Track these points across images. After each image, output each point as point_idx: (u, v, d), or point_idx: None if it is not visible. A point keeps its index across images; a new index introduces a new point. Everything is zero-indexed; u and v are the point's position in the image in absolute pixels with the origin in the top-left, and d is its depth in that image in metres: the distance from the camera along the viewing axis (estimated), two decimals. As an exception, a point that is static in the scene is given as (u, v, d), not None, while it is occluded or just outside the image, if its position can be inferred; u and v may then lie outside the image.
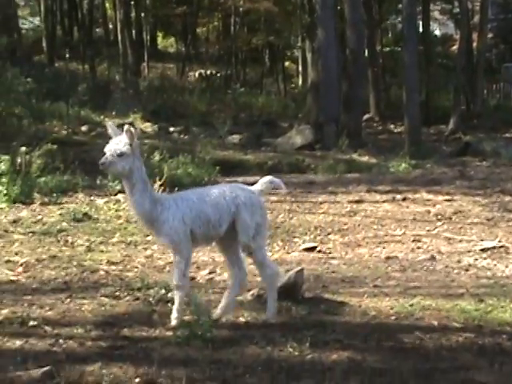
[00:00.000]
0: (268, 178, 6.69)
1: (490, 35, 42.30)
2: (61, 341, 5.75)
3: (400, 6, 32.08)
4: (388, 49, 43.13)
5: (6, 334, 5.88)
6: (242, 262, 6.49)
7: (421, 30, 36.94)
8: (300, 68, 41.68)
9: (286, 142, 24.94)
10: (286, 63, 45.24)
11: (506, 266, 9.05)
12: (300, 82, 41.80)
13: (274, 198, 15.00)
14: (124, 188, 6.18)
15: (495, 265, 9.19)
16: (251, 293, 7.03)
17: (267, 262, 6.47)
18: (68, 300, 6.99)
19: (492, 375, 5.14)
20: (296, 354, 5.44)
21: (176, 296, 6.13)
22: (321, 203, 14.45)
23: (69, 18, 44.63)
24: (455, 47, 37.34)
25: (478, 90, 35.56)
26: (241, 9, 38.51)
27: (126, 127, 5.98)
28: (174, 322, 6.08)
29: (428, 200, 14.59)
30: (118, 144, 5.91)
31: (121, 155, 5.86)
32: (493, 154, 23.37)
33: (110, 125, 6.12)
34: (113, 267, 8.73)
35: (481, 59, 35.60)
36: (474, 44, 37.18)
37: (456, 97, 32.56)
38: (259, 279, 8.07)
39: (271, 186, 6.64)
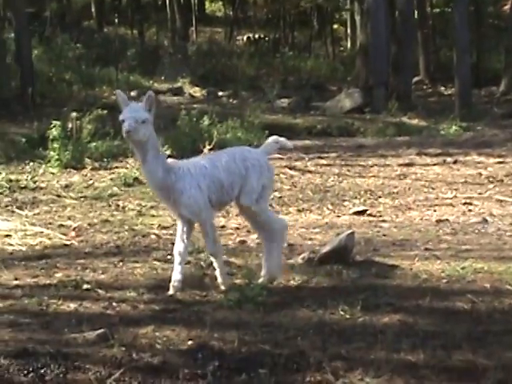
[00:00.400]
0: (273, 137, 6.61)
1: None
2: (114, 304, 5.82)
3: (450, -35, 31.58)
4: (438, 10, 42.41)
5: (61, 297, 5.96)
6: (270, 217, 6.39)
7: (472, -11, 36.33)
8: (349, 31, 41.21)
9: (335, 106, 24.79)
10: (335, 26, 44.75)
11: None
12: (349, 45, 41.39)
13: (323, 161, 15.00)
14: (136, 156, 6.11)
15: (550, 228, 9.08)
16: (302, 256, 7.03)
17: (273, 218, 6.43)
18: (120, 264, 7.07)
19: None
20: (347, 317, 5.44)
21: (215, 263, 6.15)
22: (371, 166, 14.40)
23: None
24: (507, 7, 36.59)
25: (530, 50, 34.93)
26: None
27: (148, 93, 5.93)
28: (223, 287, 6.11)
29: (479, 163, 14.45)
30: (138, 111, 5.81)
31: (144, 122, 5.77)
32: (549, 115, 23.01)
33: (119, 93, 6.01)
34: (163, 231, 8.80)
35: (533, 19, 34.93)
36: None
37: (507, 58, 32.01)
38: (309, 243, 8.12)
39: (277, 145, 6.53)
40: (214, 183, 6.01)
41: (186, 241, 6.13)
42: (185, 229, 6.11)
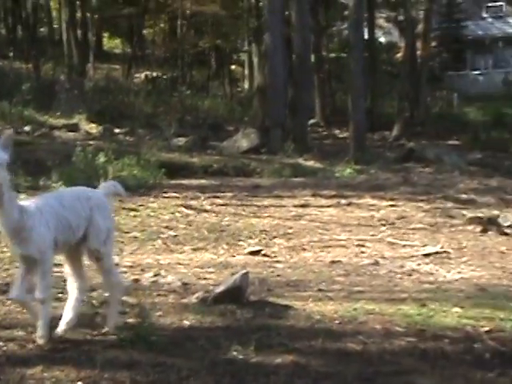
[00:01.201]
0: (111, 182, 6.54)
1: (433, 44, 42.80)
2: (1, 343, 5.65)
3: (346, 12, 32.31)
4: (334, 55, 43.33)
5: None
6: (84, 271, 6.14)
7: (366, 36, 37.20)
8: (246, 72, 41.72)
9: (232, 146, 24.91)
10: (233, 67, 45.25)
11: (448, 271, 9.15)
12: (246, 86, 41.85)
13: (219, 201, 14.99)
14: None
15: (437, 270, 9.28)
16: (196, 295, 6.99)
17: (114, 271, 6.19)
18: (9, 302, 6.88)
19: (433, 379, 5.18)
20: (240, 357, 5.42)
21: (42, 311, 5.62)
22: (266, 207, 14.47)
23: (12, 16, 44.11)
24: (399, 55, 37.68)
25: (421, 97, 35.96)
26: (188, 11, 38.43)
27: (7, 132, 5.47)
28: (41, 340, 5.62)
29: (372, 205, 14.69)
30: None
31: (1, 164, 5.27)
32: (436, 160, 23.64)
33: None
34: (55, 269, 8.61)
35: (424, 67, 36.06)
36: (418, 52, 37.60)
37: (400, 104, 32.94)
38: (203, 282, 8.08)
39: (114, 189, 6.31)
40: (62, 223, 5.72)
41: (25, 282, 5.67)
42: (26, 271, 5.71)
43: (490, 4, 54.03)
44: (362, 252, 10.49)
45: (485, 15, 55.17)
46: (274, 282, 8.17)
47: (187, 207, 14.01)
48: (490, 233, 11.92)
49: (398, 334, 6.04)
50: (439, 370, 5.32)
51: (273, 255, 10.24)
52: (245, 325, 6.24)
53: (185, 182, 18.06)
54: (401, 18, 43.41)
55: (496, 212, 13.26)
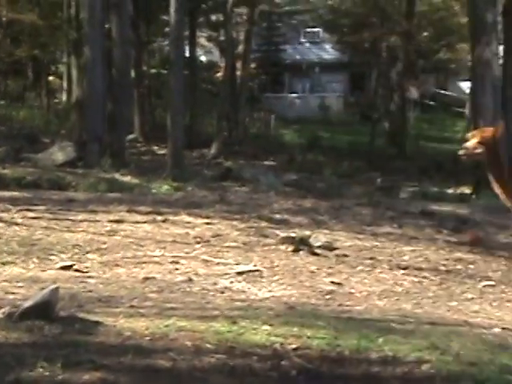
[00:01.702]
0: None
1: (252, 65, 43.68)
2: None
3: (167, 29, 32.41)
4: (155, 70, 43.34)
5: None
6: None
7: (187, 54, 37.46)
8: (65, 84, 41.00)
9: (47, 158, 24.40)
10: (51, 78, 44.36)
11: (260, 290, 9.29)
12: (64, 98, 41.12)
13: (31, 214, 14.61)
14: None
15: (249, 288, 9.41)
16: (2, 311, 6.75)
17: None
18: None
19: (242, 396, 5.23)
20: (46, 374, 5.27)
21: None
22: (80, 221, 14.22)
23: None
24: (220, 74, 38.13)
25: (240, 117, 36.57)
26: (4, 19, 37.38)
27: None
28: None
29: (188, 222, 14.73)
30: None
31: None
32: (252, 180, 24.05)
33: None
34: None
35: (244, 88, 36.72)
36: (238, 73, 38.23)
37: (219, 122, 33.34)
38: (11, 297, 7.83)
39: None
40: None
41: None
42: None
43: (307, 30, 55.77)
44: (176, 269, 10.49)
45: (302, 40, 56.91)
46: (85, 298, 8.02)
47: (-3, 220, 13.58)
48: (301, 252, 12.18)
49: (208, 351, 6.05)
50: (247, 387, 5.38)
51: (85, 270, 10.07)
52: (52, 341, 6.07)
53: (-4, 194, 17.50)
54: (222, 38, 44.03)
55: (308, 232, 13.58)
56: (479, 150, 10.24)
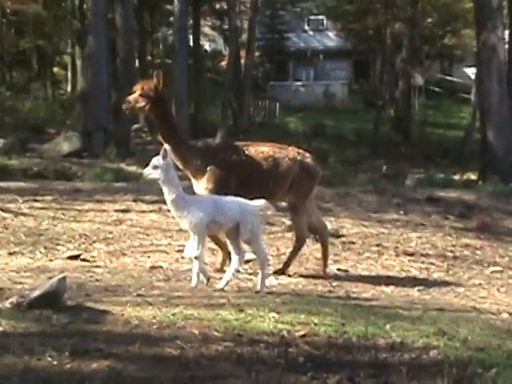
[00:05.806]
0: None
1: (257, 53, 43.59)
2: None
3: (171, 18, 32.37)
4: (159, 60, 43.30)
5: None
6: None
7: (191, 43, 37.41)
8: (69, 74, 40.97)
9: (53, 149, 24.43)
10: (55, 69, 44.34)
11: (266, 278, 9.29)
12: (69, 89, 41.10)
13: (38, 204, 14.63)
14: None
15: (256, 276, 9.40)
16: (10, 300, 6.75)
17: None
18: None
19: (248, 383, 5.23)
20: (54, 363, 5.28)
21: None
22: (87, 211, 14.24)
23: None
24: (224, 63, 38.06)
25: (244, 105, 36.50)
26: (8, 10, 37.35)
27: None
28: None
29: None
30: None
31: None
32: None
33: None
34: None
35: (248, 76, 36.62)
36: (242, 61, 38.15)
37: (224, 111, 33.25)
38: (19, 287, 7.84)
39: None
40: None
41: None
42: None
43: (311, 17, 55.58)
44: (183, 257, 10.49)
45: (306, 28, 56.73)
46: (92, 287, 8.03)
47: (4, 210, 13.59)
48: (307, 240, 12.17)
49: (215, 339, 6.05)
50: (254, 374, 5.37)
51: (92, 260, 10.09)
52: (60, 330, 6.08)
53: (2, 184, 17.49)
54: (226, 26, 43.94)
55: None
56: (142, 104, 9.65)
